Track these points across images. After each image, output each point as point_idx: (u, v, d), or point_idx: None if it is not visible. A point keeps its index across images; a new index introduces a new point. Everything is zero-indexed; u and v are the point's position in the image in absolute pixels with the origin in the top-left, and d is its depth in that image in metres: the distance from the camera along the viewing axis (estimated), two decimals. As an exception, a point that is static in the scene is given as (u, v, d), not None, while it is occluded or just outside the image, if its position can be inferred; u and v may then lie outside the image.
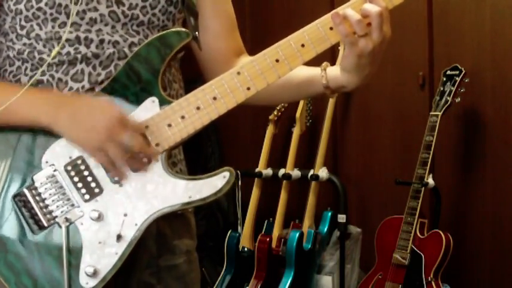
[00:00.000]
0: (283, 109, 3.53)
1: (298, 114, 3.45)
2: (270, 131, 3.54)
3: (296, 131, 3.47)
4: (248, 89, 1.33)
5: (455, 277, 3.06)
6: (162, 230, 1.43)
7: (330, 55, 3.46)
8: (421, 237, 2.98)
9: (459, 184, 3.24)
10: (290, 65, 1.33)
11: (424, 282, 2.89)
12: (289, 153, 3.43)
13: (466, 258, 3.16)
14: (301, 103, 3.47)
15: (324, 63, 1.43)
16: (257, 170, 3.46)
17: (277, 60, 1.33)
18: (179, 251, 1.47)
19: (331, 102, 3.40)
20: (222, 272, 3.37)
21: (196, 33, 1.43)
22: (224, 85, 1.33)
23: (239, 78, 1.33)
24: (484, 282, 3.16)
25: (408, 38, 3.34)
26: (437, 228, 3.00)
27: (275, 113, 3.52)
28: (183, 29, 1.36)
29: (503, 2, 3.06)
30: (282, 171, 3.42)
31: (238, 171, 3.51)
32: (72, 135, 1.29)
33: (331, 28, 1.32)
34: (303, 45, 1.33)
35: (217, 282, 3.35)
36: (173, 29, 1.36)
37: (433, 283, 2.89)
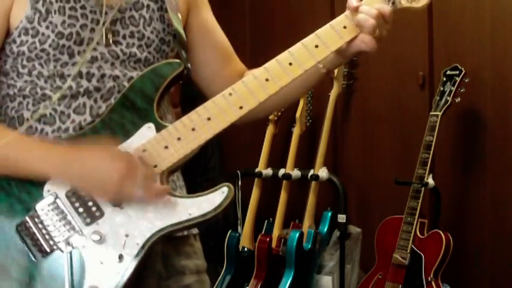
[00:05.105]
0: (283, 109, 3.53)
1: (298, 114, 3.45)
2: (270, 131, 3.54)
3: (296, 131, 3.46)
4: (240, 108, 1.38)
5: (455, 277, 3.06)
6: (167, 251, 1.45)
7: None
8: (421, 237, 2.98)
9: (459, 184, 3.24)
10: (279, 82, 1.39)
11: (424, 282, 2.90)
12: (289, 153, 3.43)
13: (466, 258, 3.16)
14: (301, 103, 3.47)
15: None
16: (257, 170, 3.46)
17: (266, 80, 1.39)
18: (189, 270, 1.50)
19: (331, 102, 3.40)
20: (222, 272, 3.37)
21: (189, 64, 1.49)
22: (217, 106, 1.37)
23: (231, 99, 1.38)
24: (484, 282, 3.16)
25: (408, 38, 3.34)
26: (437, 228, 3.00)
27: (275, 113, 3.52)
28: (176, 60, 1.42)
29: (503, 2, 3.06)
30: (282, 171, 3.42)
31: (238, 171, 3.51)
32: (86, 190, 1.32)
33: (316, 46, 1.40)
34: (290, 64, 1.39)
35: (217, 282, 3.35)
36: (165, 61, 1.43)
37: (433, 283, 2.89)
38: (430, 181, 2.98)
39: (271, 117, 3.52)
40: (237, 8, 3.12)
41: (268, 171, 3.46)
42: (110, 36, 1.42)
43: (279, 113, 3.52)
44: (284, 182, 3.42)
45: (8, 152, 1.33)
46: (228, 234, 3.41)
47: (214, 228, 3.83)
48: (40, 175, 1.32)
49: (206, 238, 4.08)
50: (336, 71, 3.36)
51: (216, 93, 1.58)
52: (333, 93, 3.40)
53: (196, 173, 3.70)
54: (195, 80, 1.60)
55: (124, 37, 1.44)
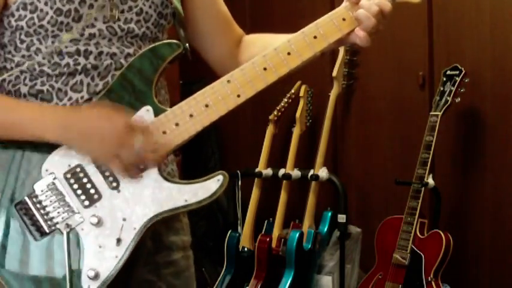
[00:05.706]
0: (283, 109, 3.53)
1: (298, 114, 3.45)
2: (270, 131, 3.54)
3: (296, 131, 3.47)
4: (238, 96, 1.39)
5: (455, 277, 3.06)
6: (158, 228, 1.45)
7: (330, 55, 3.46)
8: (421, 237, 2.98)
9: (459, 184, 3.24)
10: (277, 72, 1.41)
11: (424, 282, 2.90)
12: (289, 153, 3.43)
13: (466, 258, 3.16)
14: (301, 103, 3.47)
15: None
16: (257, 170, 3.46)
17: (265, 69, 1.40)
18: (176, 246, 1.52)
19: (331, 102, 3.40)
20: (222, 272, 3.37)
21: (187, 44, 1.49)
22: (216, 93, 1.38)
23: (229, 86, 1.39)
24: (484, 282, 3.16)
25: (408, 38, 3.34)
26: (437, 228, 3.00)
27: (275, 113, 3.52)
28: (175, 41, 1.41)
29: (503, 2, 3.06)
30: (282, 171, 3.42)
31: (238, 171, 3.51)
32: (85, 150, 1.33)
33: (315, 37, 1.41)
34: (289, 53, 1.41)
35: (217, 282, 3.35)
36: (165, 41, 1.42)
37: (433, 283, 2.89)
38: (430, 181, 2.97)
39: (271, 117, 3.52)
40: (237, 5, 3.12)
41: (268, 171, 3.46)
42: (116, 11, 1.42)
43: (279, 113, 3.53)
44: (284, 182, 3.42)
45: (1, 114, 1.33)
46: (228, 234, 3.41)
47: (214, 228, 3.84)
48: (38, 136, 1.32)
49: (206, 238, 4.10)
50: (336, 71, 3.37)
51: (214, 61, 1.63)
52: (333, 93, 3.40)
53: (196, 173, 3.69)
54: (194, 47, 1.61)
55: (122, 12, 1.43)
